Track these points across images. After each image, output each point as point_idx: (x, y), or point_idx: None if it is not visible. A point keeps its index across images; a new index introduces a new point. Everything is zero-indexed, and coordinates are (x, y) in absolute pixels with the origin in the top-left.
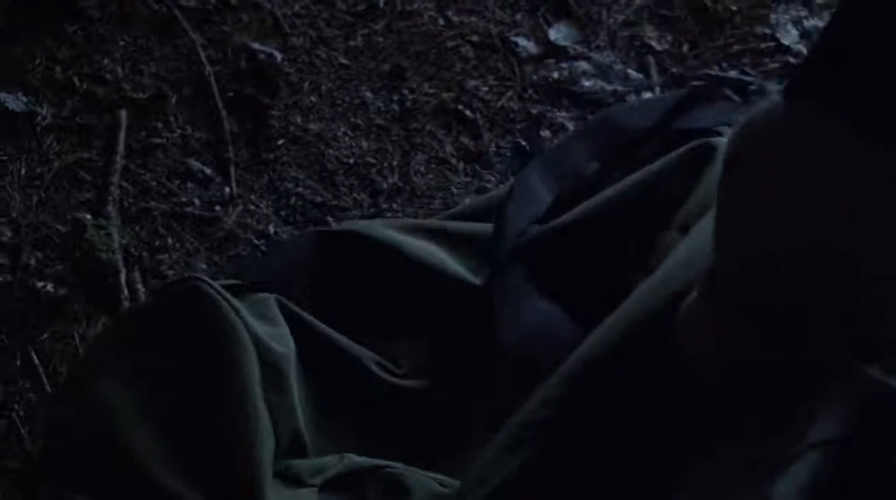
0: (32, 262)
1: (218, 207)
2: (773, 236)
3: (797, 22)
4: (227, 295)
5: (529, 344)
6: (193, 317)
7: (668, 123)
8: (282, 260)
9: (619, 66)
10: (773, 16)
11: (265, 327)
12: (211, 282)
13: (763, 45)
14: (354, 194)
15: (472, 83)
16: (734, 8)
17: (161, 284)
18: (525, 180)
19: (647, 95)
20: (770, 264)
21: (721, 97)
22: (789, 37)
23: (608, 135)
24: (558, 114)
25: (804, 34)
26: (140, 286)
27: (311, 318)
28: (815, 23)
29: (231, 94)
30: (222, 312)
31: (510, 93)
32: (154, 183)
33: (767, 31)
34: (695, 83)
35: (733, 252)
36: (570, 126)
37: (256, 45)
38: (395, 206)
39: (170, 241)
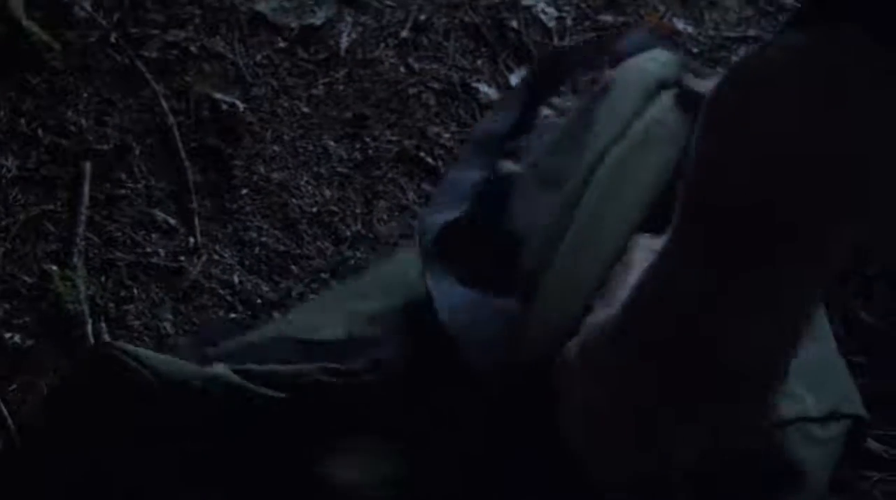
0: (0, 313)
1: (183, 258)
2: (776, 161)
3: None
4: (141, 356)
5: (453, 326)
6: (112, 388)
7: (533, 102)
8: None
9: None
10: (734, 58)
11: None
12: (125, 347)
13: None
14: (318, 243)
15: (433, 130)
16: (695, 50)
17: (82, 354)
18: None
19: None
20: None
21: None
22: None
23: (490, 144)
24: None
25: None
26: (107, 337)
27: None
28: None
29: (194, 144)
30: (138, 376)
31: None
32: (119, 234)
33: None
34: None
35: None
36: None
37: (218, 96)
38: (358, 254)
39: (136, 291)
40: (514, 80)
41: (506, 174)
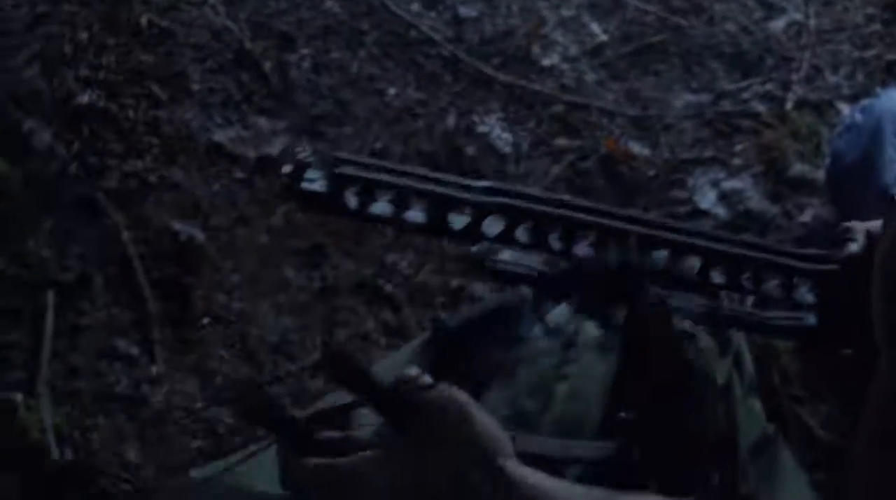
0: None
1: (145, 387)
2: None
3: (715, 184)
4: None
5: None
6: None
7: None
8: None
9: None
10: (690, 179)
11: None
12: None
13: (681, 210)
14: (278, 372)
15: (391, 258)
16: (651, 173)
17: None
18: None
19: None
20: None
21: None
22: (707, 200)
23: None
24: (477, 287)
25: (722, 196)
26: None
27: None
28: (733, 184)
29: (155, 274)
30: None
31: (429, 266)
32: (83, 363)
33: (685, 194)
34: None
35: None
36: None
37: (177, 226)
38: (318, 383)
39: (100, 420)
40: None
41: None
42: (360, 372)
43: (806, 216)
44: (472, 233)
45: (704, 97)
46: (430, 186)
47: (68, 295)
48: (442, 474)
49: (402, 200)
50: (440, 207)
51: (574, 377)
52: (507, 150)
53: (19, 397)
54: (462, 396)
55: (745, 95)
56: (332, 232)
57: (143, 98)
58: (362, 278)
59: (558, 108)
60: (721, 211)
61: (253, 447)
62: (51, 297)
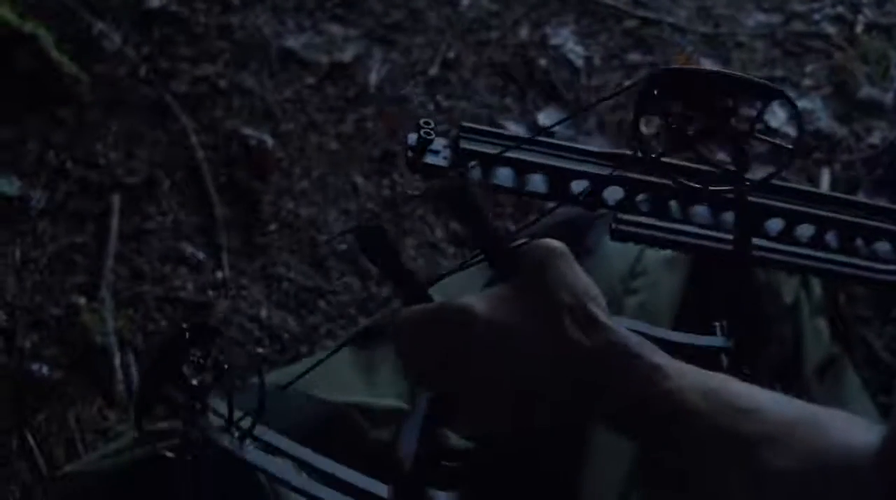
0: (27, 345)
1: (210, 292)
2: None
3: (784, 104)
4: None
5: None
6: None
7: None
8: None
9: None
10: None
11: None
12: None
13: None
14: (345, 279)
15: None
16: None
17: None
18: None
19: None
20: None
21: None
22: (777, 119)
23: None
24: None
25: (792, 116)
26: (134, 369)
27: None
28: (803, 104)
29: (223, 179)
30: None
31: None
32: (147, 267)
33: (755, 113)
34: None
35: None
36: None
37: (248, 131)
38: (385, 291)
39: (163, 324)
40: (541, 118)
41: None
42: (475, 208)
43: (874, 138)
44: (594, 200)
45: (776, 17)
46: (552, 160)
47: (134, 198)
48: (538, 318)
49: (524, 168)
50: (562, 176)
51: (643, 291)
52: (580, 63)
53: (82, 300)
54: (562, 247)
55: (816, 17)
56: (403, 140)
57: (215, 3)
58: (432, 186)
59: (631, 23)
60: (791, 130)
61: (318, 355)
62: (116, 200)
